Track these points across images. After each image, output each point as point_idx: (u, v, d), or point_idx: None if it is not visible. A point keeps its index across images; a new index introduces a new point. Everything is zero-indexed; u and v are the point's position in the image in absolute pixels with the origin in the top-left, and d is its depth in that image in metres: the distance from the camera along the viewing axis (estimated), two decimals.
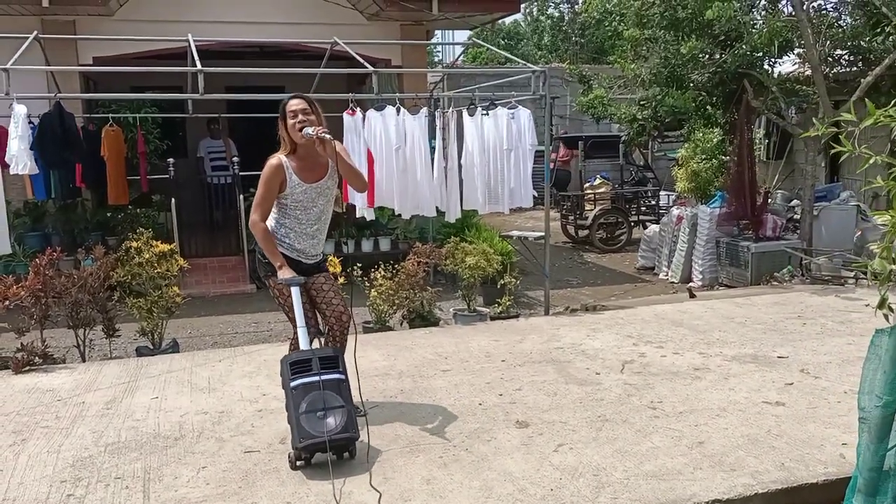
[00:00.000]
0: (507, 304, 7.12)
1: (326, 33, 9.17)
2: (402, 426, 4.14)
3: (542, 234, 7.25)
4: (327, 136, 3.89)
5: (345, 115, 6.65)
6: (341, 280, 6.45)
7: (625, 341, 5.77)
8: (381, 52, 11.13)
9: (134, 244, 6.18)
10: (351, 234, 9.95)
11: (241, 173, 10.10)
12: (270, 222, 4.08)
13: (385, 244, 10.12)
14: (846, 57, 9.71)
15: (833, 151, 2.40)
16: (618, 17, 21.57)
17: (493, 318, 6.87)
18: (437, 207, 7.08)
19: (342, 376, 3.74)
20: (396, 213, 7.14)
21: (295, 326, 4.08)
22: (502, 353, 5.52)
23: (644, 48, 9.78)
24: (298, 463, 3.62)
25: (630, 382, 4.79)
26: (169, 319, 6.34)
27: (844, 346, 5.50)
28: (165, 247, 6.21)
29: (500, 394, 4.63)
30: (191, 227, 10.66)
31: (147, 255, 6.09)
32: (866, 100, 2.23)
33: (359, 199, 6.49)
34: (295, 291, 3.95)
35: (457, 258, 6.83)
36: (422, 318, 6.69)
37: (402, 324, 6.76)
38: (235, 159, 10.28)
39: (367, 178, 6.42)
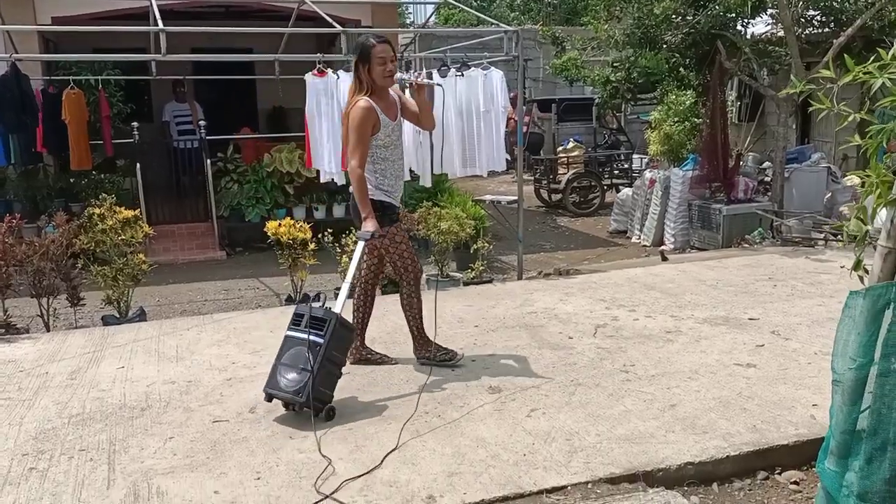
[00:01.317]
0: (481, 269, 7.07)
1: None
2: (374, 394, 4.09)
3: (516, 198, 7.18)
4: (426, 81, 4.27)
5: (308, 76, 6.47)
6: (312, 246, 6.35)
7: (597, 305, 5.76)
8: (350, 12, 10.88)
9: (97, 210, 6.01)
10: (322, 199, 9.80)
11: (207, 137, 9.87)
12: (367, 177, 4.10)
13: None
14: (818, 18, 9.68)
15: (811, 109, 2.34)
16: None
17: (466, 284, 6.82)
18: (411, 171, 6.96)
19: (320, 340, 3.71)
20: None
21: (413, 269, 4.29)
22: (475, 319, 5.49)
23: (617, 8, 9.65)
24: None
25: (603, 346, 4.78)
26: (136, 287, 6.20)
27: (814, 307, 5.54)
28: (129, 213, 6.05)
29: (472, 359, 4.59)
30: (157, 192, 10.41)
31: (111, 222, 5.93)
32: (846, 55, 2.17)
33: (326, 164, 6.34)
34: (361, 246, 4.03)
35: (429, 223, 6.74)
36: (394, 284, 6.60)
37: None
38: (202, 123, 10.03)
39: (341, 141, 6.30)
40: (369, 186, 4.11)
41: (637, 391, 4.03)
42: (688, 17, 9.67)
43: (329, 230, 6.62)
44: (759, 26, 10.17)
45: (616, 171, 13.08)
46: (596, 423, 3.65)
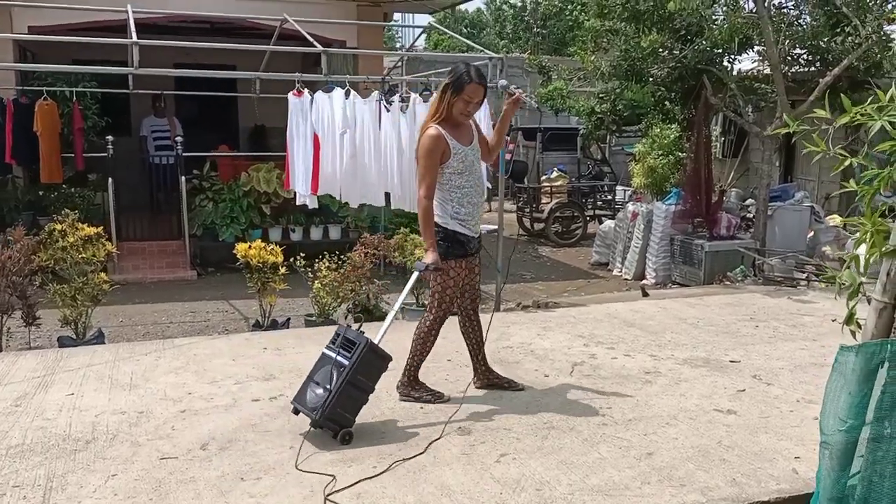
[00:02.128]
0: None
1: (279, 11, 8.79)
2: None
3: (496, 227, 7.02)
4: (525, 97, 4.22)
5: (290, 95, 6.29)
6: (283, 270, 6.13)
7: (575, 341, 5.58)
8: (336, 32, 10.76)
9: (58, 226, 5.77)
10: (299, 220, 9.59)
11: (185, 154, 9.64)
12: (441, 206, 4.02)
13: (335, 232, 9.80)
14: (804, 57, 9.67)
15: (805, 151, 2.19)
16: (578, 7, 21.38)
17: None
18: (387, 195, 6.77)
19: (345, 363, 3.68)
20: (344, 202, 6.82)
21: (445, 308, 4.15)
22: (448, 352, 5.26)
23: (604, 40, 9.58)
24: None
25: (579, 386, 4.58)
26: (98, 307, 5.95)
27: (797, 350, 5.39)
28: (92, 230, 5.81)
29: None
30: (131, 208, 10.18)
31: (72, 239, 5.69)
32: (842, 95, 2.03)
33: (300, 186, 6.15)
34: (414, 277, 4.05)
35: (406, 250, 6.56)
36: (367, 312, 6.41)
37: (346, 317, 6.47)
38: (179, 139, 9.81)
39: (312, 163, 6.12)
40: (444, 216, 4.01)
41: (613, 437, 3.83)
42: (674, 52, 9.63)
43: (302, 254, 6.42)
44: (746, 63, 10.15)
45: (599, 203, 12.99)
46: (569, 471, 3.44)
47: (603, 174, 13.64)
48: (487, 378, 4.48)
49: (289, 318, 6.39)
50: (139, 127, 11.76)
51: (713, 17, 9.37)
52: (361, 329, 3.80)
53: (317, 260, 6.36)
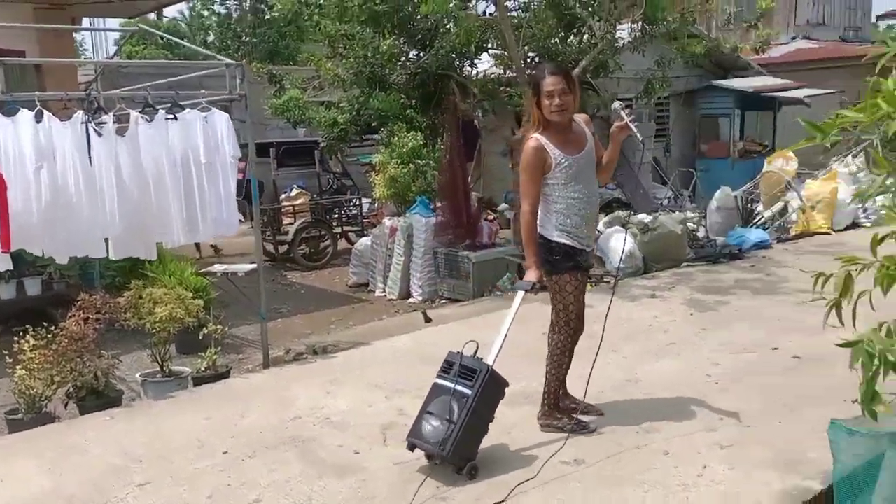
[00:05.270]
0: (214, 356, 5.64)
1: None
2: None
3: (254, 266, 5.89)
4: (632, 123, 3.75)
5: None
6: None
7: (374, 394, 4.72)
8: (11, 41, 8.70)
9: None
10: None
11: None
12: (546, 218, 3.83)
13: (33, 287, 7.80)
14: (536, 59, 9.79)
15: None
16: (316, 10, 20.22)
17: (196, 381, 5.35)
18: (107, 242, 5.29)
19: (467, 392, 3.52)
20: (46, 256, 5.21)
21: (574, 326, 3.98)
22: (221, 439, 4.12)
23: (342, 45, 8.82)
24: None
25: (401, 460, 3.73)
26: None
27: (614, 372, 5.05)
28: None
29: None
30: None
31: None
32: None
33: None
34: (520, 297, 3.85)
35: (142, 309, 5.18)
36: (97, 395, 4.93)
37: (66, 406, 4.93)
38: None
39: None
40: (548, 228, 3.83)
41: None
42: (412, 57, 9.19)
43: None
44: (483, 65, 10.05)
45: (345, 218, 12.20)
46: None
47: (345, 188, 12.90)
48: (564, 403, 4.16)
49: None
50: None
51: (449, 19, 9.09)
52: (478, 355, 3.61)
53: (16, 335, 4.76)
